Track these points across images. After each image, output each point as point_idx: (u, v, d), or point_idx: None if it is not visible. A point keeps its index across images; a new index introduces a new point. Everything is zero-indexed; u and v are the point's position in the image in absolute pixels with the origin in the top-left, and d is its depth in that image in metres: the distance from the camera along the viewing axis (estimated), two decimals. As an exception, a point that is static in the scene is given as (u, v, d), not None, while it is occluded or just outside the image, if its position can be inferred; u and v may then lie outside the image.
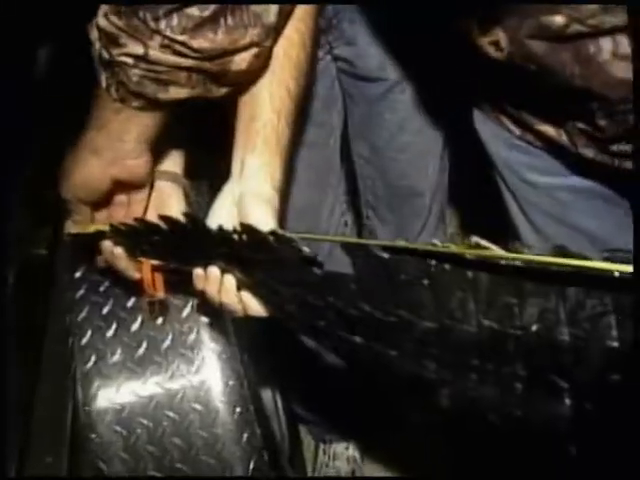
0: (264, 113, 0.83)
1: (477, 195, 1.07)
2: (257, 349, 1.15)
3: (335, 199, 1.36)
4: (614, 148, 0.72)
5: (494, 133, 0.88)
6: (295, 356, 1.30)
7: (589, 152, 0.75)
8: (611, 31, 0.59)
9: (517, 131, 0.83)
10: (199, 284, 0.81)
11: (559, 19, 0.60)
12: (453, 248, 0.63)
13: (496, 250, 0.62)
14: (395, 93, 1.21)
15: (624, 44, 0.60)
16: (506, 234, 0.98)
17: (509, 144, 0.86)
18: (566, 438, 0.64)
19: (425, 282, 0.66)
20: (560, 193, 0.86)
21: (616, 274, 0.52)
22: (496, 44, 0.67)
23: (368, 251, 0.67)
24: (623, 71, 0.61)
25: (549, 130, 0.77)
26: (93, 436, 1.01)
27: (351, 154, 1.37)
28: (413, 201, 1.32)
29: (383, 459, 1.57)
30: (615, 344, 0.59)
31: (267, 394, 1.39)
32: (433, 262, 0.65)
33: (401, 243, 0.65)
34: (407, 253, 0.66)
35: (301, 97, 0.89)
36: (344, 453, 1.58)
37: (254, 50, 0.75)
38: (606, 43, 0.61)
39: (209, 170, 1.09)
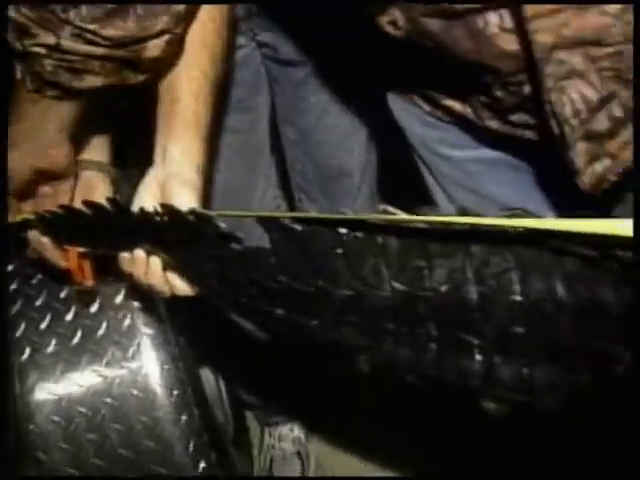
0: (182, 98, 0.85)
1: (400, 172, 1.11)
2: (193, 332, 1.17)
3: (266, 184, 1.38)
4: (514, 118, 0.76)
5: (407, 111, 0.91)
6: (232, 339, 1.32)
7: (493, 124, 0.79)
8: (497, 6, 0.63)
9: (427, 108, 0.87)
10: (126, 268, 0.83)
11: (447, -2, 0.64)
12: (363, 216, 0.66)
13: (404, 215, 0.65)
14: (318, 76, 1.23)
15: (508, 18, 0.64)
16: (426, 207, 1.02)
17: (421, 121, 0.90)
18: (479, 393, 0.67)
19: (339, 251, 0.69)
20: (471, 165, 0.90)
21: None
22: (394, 23, 0.70)
23: (282, 224, 0.70)
24: (509, 43, 0.65)
25: (455, 105, 0.81)
26: (31, 427, 1.02)
27: (280, 138, 1.39)
28: (342, 182, 1.35)
29: (328, 438, 1.60)
30: (519, 298, 0.62)
31: (210, 379, 1.41)
32: (345, 231, 0.68)
33: (312, 214, 0.68)
34: (319, 224, 0.69)
35: (220, 81, 0.91)
36: (289, 435, 1.62)
37: (166, 37, 0.77)
38: (493, 17, 0.64)
39: (140, 160, 1.10)
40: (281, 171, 1.47)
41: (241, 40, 1.23)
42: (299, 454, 1.60)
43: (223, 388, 1.47)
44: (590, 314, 0.59)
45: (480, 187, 0.91)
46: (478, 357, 0.66)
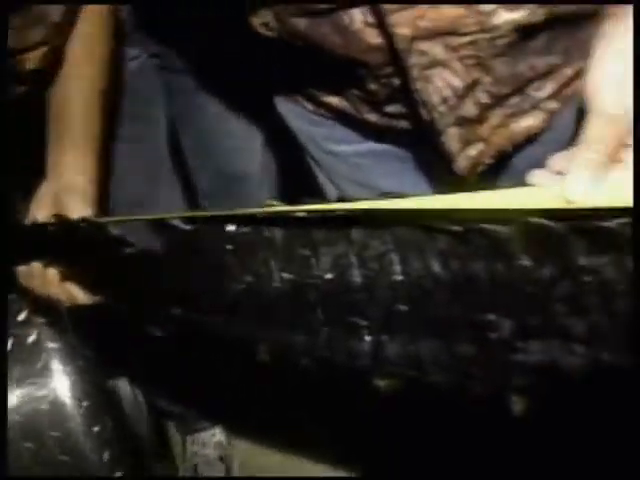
0: (72, 110, 0.86)
1: (296, 173, 1.13)
2: (103, 342, 1.17)
3: (170, 192, 1.39)
4: (389, 109, 0.79)
5: (294, 111, 0.93)
6: (145, 347, 1.32)
7: (372, 116, 0.82)
8: (356, 3, 0.66)
9: (310, 106, 0.89)
10: (25, 281, 0.84)
11: (311, -4, 0.66)
12: (248, 211, 0.69)
13: (286, 207, 0.68)
14: (210, 84, 1.25)
15: (370, 14, 0.67)
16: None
17: (308, 119, 0.92)
18: (369, 372, 0.70)
19: (229, 247, 0.71)
20: (358, 159, 0.93)
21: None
22: (266, 25, 0.73)
23: (172, 226, 0.71)
24: (374, 37, 0.68)
25: (334, 101, 0.84)
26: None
27: (182, 146, 1.41)
28: (243, 186, 1.37)
29: (250, 437, 1.62)
30: (400, 277, 0.66)
31: (126, 390, 1.41)
32: (232, 227, 0.70)
33: (199, 212, 0.70)
34: (208, 222, 0.71)
35: (110, 91, 0.92)
36: (211, 440, 1.63)
37: (44, 48, 0.77)
38: (356, 13, 0.67)
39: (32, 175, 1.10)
40: (185, 179, 1.48)
41: (134, 51, 1.24)
42: (222, 458, 1.61)
43: (141, 398, 1.47)
44: (465, 288, 0.63)
45: (370, 180, 0.94)
46: (367, 338, 0.69)
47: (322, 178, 0.99)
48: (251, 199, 1.36)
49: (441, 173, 0.84)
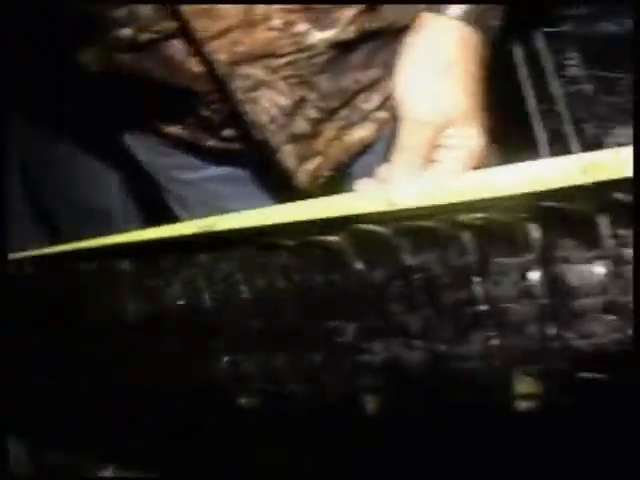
0: None
1: (155, 205, 1.13)
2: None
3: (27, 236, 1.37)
4: (225, 134, 0.81)
5: (140, 144, 0.94)
6: (18, 397, 1.29)
7: (210, 142, 0.84)
8: (175, 34, 0.68)
9: (154, 138, 0.90)
10: None
11: (126, 31, 0.67)
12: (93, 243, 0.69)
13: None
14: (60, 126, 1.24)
15: (189, 44, 0.69)
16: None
17: (154, 150, 0.93)
18: (231, 392, 0.71)
19: (80, 284, 0.72)
20: (206, 184, 0.94)
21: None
22: (94, 61, 0.74)
23: (19, 270, 0.71)
24: (197, 65, 0.70)
25: (174, 130, 0.85)
26: None
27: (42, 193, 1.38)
28: (105, 223, 1.36)
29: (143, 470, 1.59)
30: (247, 295, 0.67)
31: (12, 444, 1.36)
32: (83, 265, 0.71)
33: (45, 249, 0.70)
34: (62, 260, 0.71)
35: None
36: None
37: None
38: (178, 44, 0.69)
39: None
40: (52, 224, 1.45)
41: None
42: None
43: (28, 452, 1.42)
44: (308, 298, 0.65)
45: (222, 205, 0.94)
46: (224, 358, 0.70)
47: (177, 207, 1.00)
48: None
49: (285, 190, 0.87)
